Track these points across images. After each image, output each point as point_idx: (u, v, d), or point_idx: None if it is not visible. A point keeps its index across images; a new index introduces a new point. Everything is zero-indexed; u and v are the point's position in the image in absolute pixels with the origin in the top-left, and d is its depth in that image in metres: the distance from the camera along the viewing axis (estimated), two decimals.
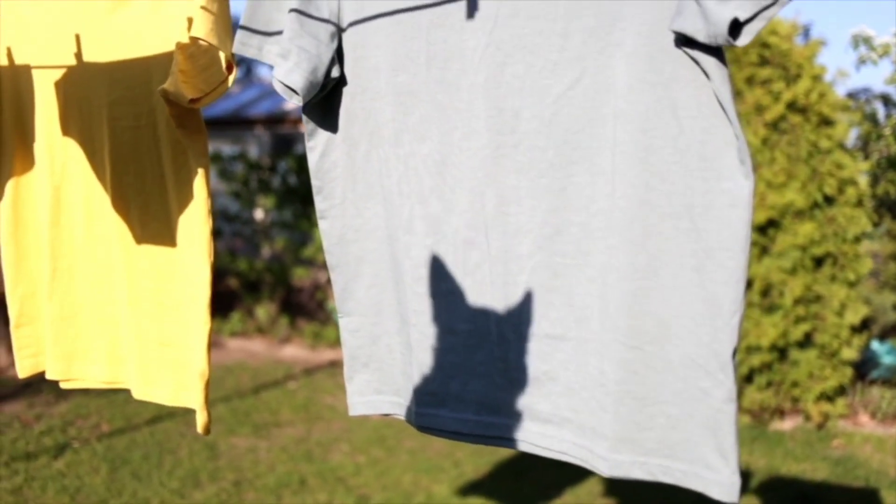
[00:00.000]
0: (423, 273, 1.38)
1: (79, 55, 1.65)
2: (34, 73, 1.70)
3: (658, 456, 1.18)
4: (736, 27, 1.02)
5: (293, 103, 1.37)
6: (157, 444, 4.35)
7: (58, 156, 1.73)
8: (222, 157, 7.77)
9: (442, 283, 1.37)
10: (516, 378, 1.33)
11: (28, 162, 1.77)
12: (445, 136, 1.32)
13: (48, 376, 1.84)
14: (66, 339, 1.80)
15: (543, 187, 1.24)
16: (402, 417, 1.50)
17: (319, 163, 1.46)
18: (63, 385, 1.85)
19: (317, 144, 1.46)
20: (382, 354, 1.50)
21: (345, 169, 1.45)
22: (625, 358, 1.19)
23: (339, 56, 1.39)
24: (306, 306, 7.32)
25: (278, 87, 1.34)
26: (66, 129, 1.71)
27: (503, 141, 1.26)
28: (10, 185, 1.78)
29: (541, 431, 1.32)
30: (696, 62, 1.08)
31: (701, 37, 1.04)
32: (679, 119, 1.11)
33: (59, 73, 1.68)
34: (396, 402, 1.51)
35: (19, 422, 4.65)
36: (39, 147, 1.74)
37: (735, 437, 1.11)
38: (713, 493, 1.13)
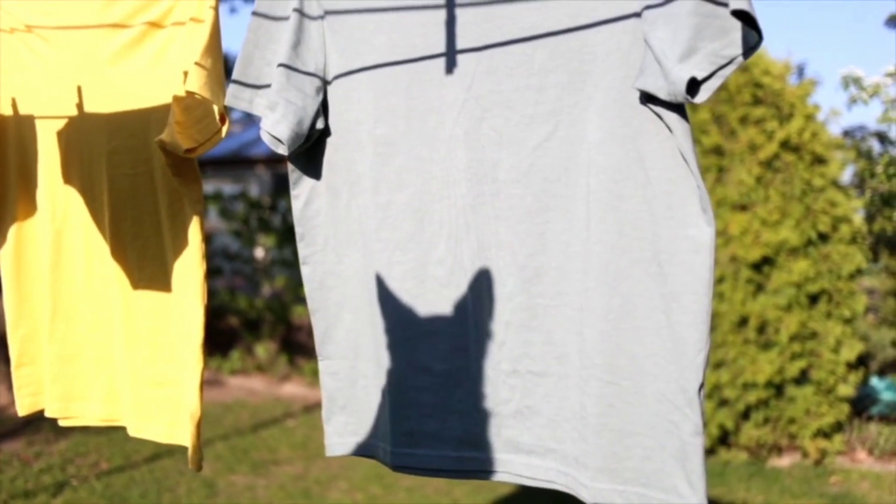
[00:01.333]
0: (400, 316, 1.43)
1: (80, 106, 1.72)
2: (37, 122, 1.77)
3: (635, 484, 1.25)
4: (694, 85, 1.09)
5: (279, 152, 1.43)
6: (155, 481, 4.36)
7: (59, 201, 1.79)
8: (223, 196, 7.83)
9: (420, 325, 1.42)
10: (497, 413, 1.39)
11: (31, 207, 1.83)
12: (424, 185, 1.38)
13: (47, 414, 1.88)
14: (66, 378, 1.85)
15: (523, 233, 1.31)
16: (379, 459, 1.54)
17: (303, 210, 1.53)
18: (62, 423, 1.90)
19: (301, 192, 1.52)
20: (360, 397, 1.55)
21: (327, 217, 1.51)
22: (602, 393, 1.25)
23: (324, 108, 1.46)
24: (306, 344, 7.34)
25: (265, 138, 1.41)
26: (68, 177, 1.77)
27: (482, 190, 1.33)
28: (12, 230, 1.84)
29: (525, 462, 1.38)
30: (660, 117, 1.14)
31: (662, 94, 1.11)
32: (646, 170, 1.18)
33: (61, 123, 1.75)
34: (372, 445, 1.55)
35: (18, 460, 4.66)
36: (41, 193, 1.80)
37: (702, 468, 1.18)
38: None
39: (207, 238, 7.22)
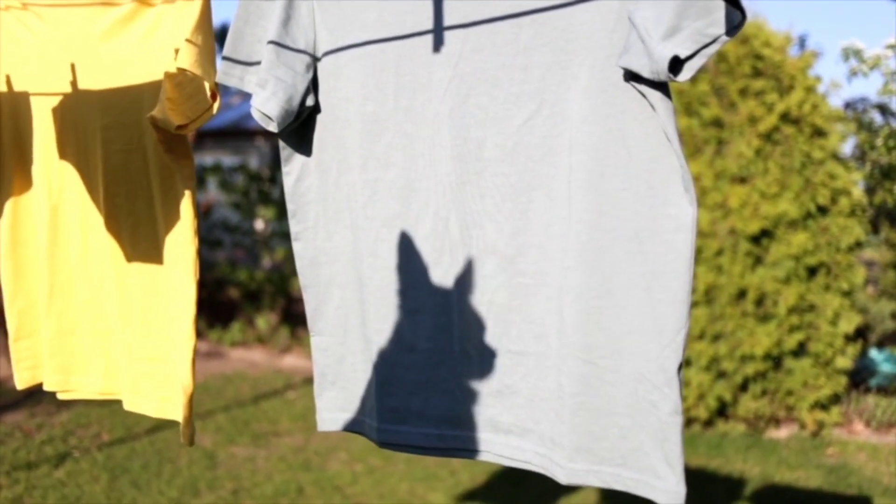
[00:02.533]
0: (387, 294, 1.45)
1: (74, 83, 1.72)
2: (32, 99, 1.78)
3: (611, 465, 1.26)
4: (678, 64, 1.10)
5: (270, 129, 1.43)
6: (156, 453, 4.40)
7: (55, 177, 1.80)
8: (223, 168, 7.83)
9: (405, 302, 1.43)
10: (478, 392, 1.40)
11: (26, 183, 1.84)
12: (410, 162, 1.39)
13: (46, 387, 1.91)
14: (64, 351, 1.87)
15: (506, 211, 1.31)
16: (366, 435, 1.55)
17: (294, 187, 1.53)
18: (60, 396, 1.92)
19: (292, 170, 1.53)
20: (348, 373, 1.56)
21: (317, 194, 1.52)
22: (580, 372, 1.26)
23: (314, 86, 1.46)
24: (306, 316, 7.36)
25: (256, 115, 1.41)
26: (63, 153, 1.78)
27: (467, 168, 1.33)
28: (8, 205, 1.85)
29: (504, 442, 1.39)
30: (643, 95, 1.14)
31: (645, 73, 1.11)
32: (629, 149, 1.18)
33: (55, 100, 1.76)
34: (359, 420, 1.57)
35: (20, 431, 4.70)
36: (37, 169, 1.81)
37: (680, 448, 1.19)
38: (660, 500, 1.21)
39: (207, 210, 7.22)
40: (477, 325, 1.37)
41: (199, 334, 7.44)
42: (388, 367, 1.46)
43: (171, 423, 4.74)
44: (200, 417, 5.09)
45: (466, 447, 1.43)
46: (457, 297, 1.38)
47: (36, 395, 5.13)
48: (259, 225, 8.00)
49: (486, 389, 1.39)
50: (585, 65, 1.20)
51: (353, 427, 1.58)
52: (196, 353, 1.67)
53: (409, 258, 1.41)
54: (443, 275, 1.39)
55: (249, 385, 5.99)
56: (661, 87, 1.14)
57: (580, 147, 1.22)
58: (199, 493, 3.87)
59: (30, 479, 3.97)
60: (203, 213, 8.09)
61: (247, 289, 7.53)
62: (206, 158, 8.95)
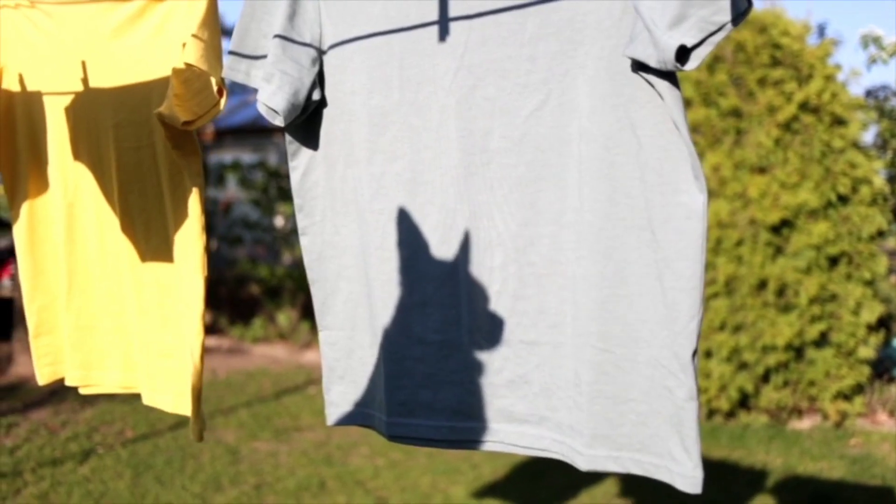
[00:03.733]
0: (395, 286, 1.45)
1: (85, 81, 1.74)
2: (45, 99, 1.79)
3: (630, 450, 1.26)
4: (685, 53, 1.09)
5: (276, 124, 1.44)
6: (179, 448, 4.43)
7: (70, 176, 1.82)
8: (242, 165, 7.86)
9: (414, 294, 1.43)
10: (490, 382, 1.39)
11: (42, 182, 1.86)
12: (416, 155, 1.39)
13: (68, 383, 1.93)
14: (84, 347, 1.89)
15: (514, 202, 1.31)
16: (375, 429, 1.55)
17: (301, 182, 1.54)
18: (82, 391, 1.94)
19: (299, 164, 1.53)
20: (356, 367, 1.56)
21: (325, 188, 1.52)
22: (596, 360, 1.26)
23: (320, 80, 1.46)
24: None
25: (262, 109, 1.42)
26: (77, 151, 1.80)
27: (474, 160, 1.33)
28: (25, 205, 1.87)
29: (519, 431, 1.39)
30: (651, 85, 1.14)
31: (652, 62, 1.11)
32: (638, 137, 1.18)
33: (67, 99, 1.77)
34: (369, 414, 1.57)
35: (46, 428, 4.74)
36: (52, 168, 1.83)
37: (697, 433, 1.19)
38: (678, 485, 1.21)
39: (227, 207, 7.24)
40: (486, 316, 1.37)
41: (221, 331, 7.52)
42: (397, 360, 1.46)
43: None
44: (223, 413, 5.13)
45: (478, 438, 1.43)
46: (466, 289, 1.38)
47: (60, 392, 5.18)
48: (279, 221, 8.03)
49: (497, 380, 1.39)
50: (592, 54, 1.20)
51: (362, 421, 1.58)
52: (204, 348, 1.68)
53: (416, 251, 1.41)
54: (451, 267, 1.39)
55: (271, 381, 6.03)
56: (668, 76, 1.13)
57: (589, 137, 1.21)
58: (221, 489, 3.89)
59: (55, 475, 4.01)
60: (223, 211, 8.14)
61: (267, 285, 7.57)
62: (226, 156, 8.99)
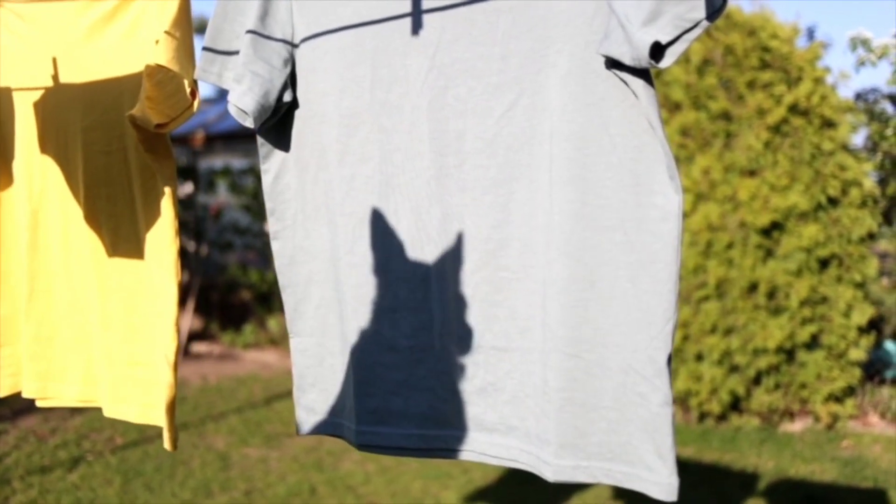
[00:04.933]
0: (365, 291, 1.42)
1: (56, 80, 1.70)
2: (15, 100, 1.75)
3: (600, 459, 1.23)
4: (659, 50, 1.07)
5: (247, 125, 1.41)
6: (169, 455, 4.40)
7: (36, 179, 1.78)
8: (232, 171, 7.84)
9: (384, 300, 1.40)
10: (461, 390, 1.37)
11: (7, 184, 1.82)
12: (387, 156, 1.36)
13: (24, 395, 1.88)
14: (43, 358, 1.84)
15: (487, 204, 1.29)
16: (345, 438, 1.52)
17: (273, 185, 1.51)
18: (39, 403, 1.89)
19: (271, 167, 1.51)
20: (327, 375, 1.54)
21: (296, 191, 1.50)
22: (565, 366, 1.23)
23: (292, 81, 1.44)
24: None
25: (232, 110, 1.40)
26: (44, 156, 1.76)
27: (446, 161, 1.31)
28: None
29: (488, 440, 1.36)
30: (625, 83, 1.13)
31: (626, 59, 1.09)
32: (612, 137, 1.16)
33: (36, 100, 1.73)
34: (338, 423, 1.54)
35: (34, 436, 4.71)
36: (18, 172, 1.79)
37: (672, 440, 1.16)
38: (653, 493, 1.18)
39: (218, 213, 7.21)
40: (458, 322, 1.34)
41: (212, 337, 7.50)
42: (367, 367, 1.43)
43: (184, 426, 4.76)
44: (213, 419, 5.10)
45: (450, 447, 1.40)
46: (437, 294, 1.36)
47: None
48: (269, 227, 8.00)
49: (468, 387, 1.36)
50: (564, 52, 1.18)
51: (332, 431, 1.55)
52: (178, 354, 1.64)
53: (387, 255, 1.39)
54: (422, 271, 1.36)
55: (262, 386, 6.00)
56: (642, 74, 1.11)
57: (561, 136, 1.19)
58: (212, 495, 3.87)
59: (43, 483, 3.98)
60: (213, 217, 8.11)
61: (258, 291, 7.55)
62: (216, 162, 8.97)
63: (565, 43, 1.18)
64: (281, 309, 7.24)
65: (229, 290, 7.97)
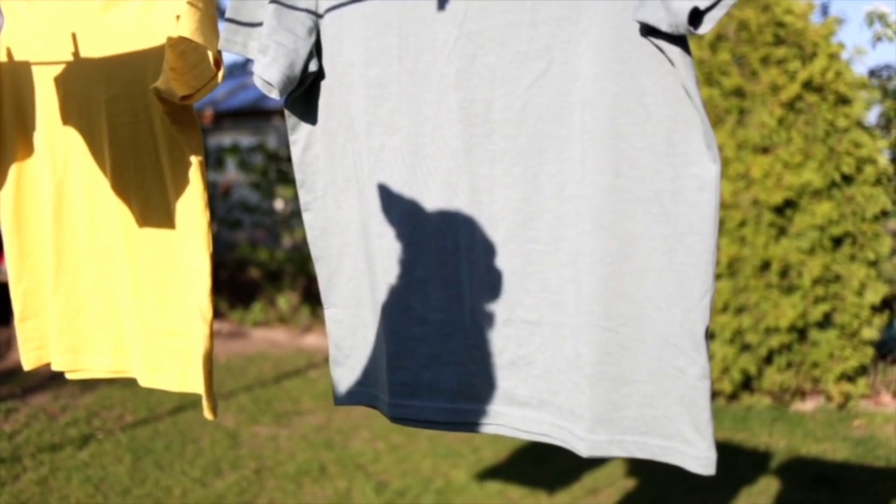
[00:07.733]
0: (395, 263, 1.40)
1: (76, 54, 1.68)
2: (34, 72, 1.74)
3: (635, 433, 1.21)
4: (697, 16, 1.04)
5: (272, 97, 1.39)
6: (179, 433, 4.41)
7: (59, 152, 1.76)
8: (241, 148, 7.82)
9: (414, 272, 1.39)
10: (492, 364, 1.35)
11: (30, 159, 1.81)
12: (416, 127, 1.34)
13: (54, 367, 1.88)
14: (72, 331, 1.84)
15: (516, 175, 1.26)
16: (379, 410, 1.52)
17: (302, 156, 1.49)
18: (69, 376, 1.89)
19: (299, 138, 1.48)
20: (360, 346, 1.52)
21: (325, 162, 1.48)
22: (599, 340, 1.21)
23: (317, 51, 1.41)
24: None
25: (257, 82, 1.37)
26: (67, 127, 1.74)
27: (475, 131, 1.28)
28: (12, 182, 1.82)
29: (520, 415, 1.35)
30: (661, 51, 1.09)
31: (663, 26, 1.05)
32: (646, 106, 1.12)
33: (57, 72, 1.71)
34: (373, 395, 1.53)
35: (45, 414, 4.72)
36: (41, 144, 1.77)
37: (710, 413, 1.15)
38: (691, 467, 1.17)
39: (227, 191, 7.20)
40: (489, 295, 1.32)
41: (221, 315, 7.50)
42: (399, 339, 1.42)
43: (193, 404, 4.76)
44: (223, 397, 5.10)
45: (479, 421, 1.39)
46: (467, 267, 1.33)
47: (59, 377, 5.12)
48: (279, 205, 7.99)
49: (499, 361, 1.34)
50: (596, 19, 1.14)
51: (367, 401, 1.54)
52: (213, 326, 1.64)
53: (417, 227, 1.37)
54: (452, 244, 1.34)
55: (271, 365, 6.01)
56: (679, 41, 1.08)
57: (593, 106, 1.16)
58: (221, 473, 3.88)
59: (54, 461, 3.99)
60: (222, 194, 8.10)
61: (267, 269, 7.54)
62: (225, 139, 8.95)
63: (597, 9, 1.14)
64: (290, 287, 7.29)
65: (238, 268, 7.97)
